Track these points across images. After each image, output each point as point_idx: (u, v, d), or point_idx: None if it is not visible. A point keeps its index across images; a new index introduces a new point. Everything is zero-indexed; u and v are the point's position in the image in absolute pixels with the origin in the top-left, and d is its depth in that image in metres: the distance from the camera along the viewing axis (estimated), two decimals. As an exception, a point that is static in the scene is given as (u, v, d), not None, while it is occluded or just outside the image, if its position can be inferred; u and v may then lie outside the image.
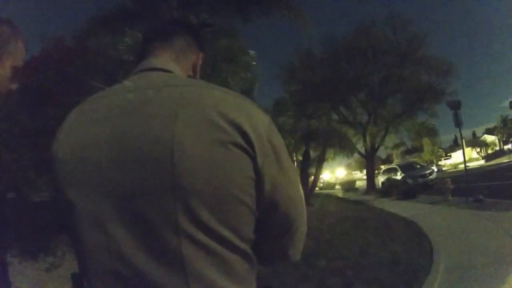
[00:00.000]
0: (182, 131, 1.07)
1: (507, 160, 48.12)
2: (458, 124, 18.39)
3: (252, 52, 14.50)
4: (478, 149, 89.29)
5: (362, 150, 41.01)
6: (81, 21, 14.08)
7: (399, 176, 30.74)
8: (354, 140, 40.29)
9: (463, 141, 22.11)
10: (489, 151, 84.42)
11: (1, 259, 1.89)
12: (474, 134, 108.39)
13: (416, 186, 26.77)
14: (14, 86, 1.92)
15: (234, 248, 1.11)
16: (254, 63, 14.56)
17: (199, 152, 1.06)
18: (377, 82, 38.14)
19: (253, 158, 1.10)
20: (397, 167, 34.18)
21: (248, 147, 1.09)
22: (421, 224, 12.64)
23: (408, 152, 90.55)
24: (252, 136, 1.10)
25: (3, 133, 10.30)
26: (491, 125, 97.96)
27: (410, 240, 10.37)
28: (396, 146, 49.14)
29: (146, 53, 1.46)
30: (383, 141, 41.31)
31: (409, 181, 28.24)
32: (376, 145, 40.63)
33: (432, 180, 28.91)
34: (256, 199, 1.14)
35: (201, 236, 1.06)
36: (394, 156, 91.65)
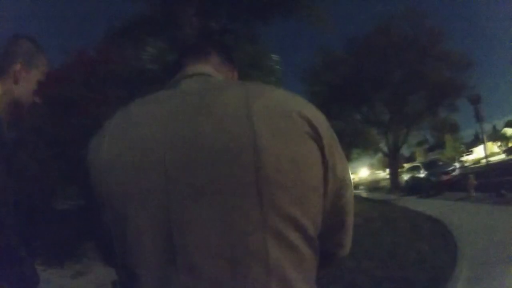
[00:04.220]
0: (260, 125, 1.04)
1: (527, 154, 47.08)
2: (479, 118, 18.25)
3: (275, 57, 14.51)
4: (499, 143, 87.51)
5: (385, 149, 40.74)
6: (101, 32, 14.24)
7: (422, 174, 30.44)
8: (377, 139, 40.04)
9: (484, 135, 21.90)
10: (510, 145, 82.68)
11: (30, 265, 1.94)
12: (494, 127, 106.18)
13: (440, 183, 26.50)
14: (37, 99, 2.00)
15: (310, 242, 1.09)
16: (278, 67, 14.56)
17: (279, 144, 1.04)
18: (398, 80, 37.72)
19: (321, 148, 1.10)
20: (420, 165, 33.82)
21: (317, 137, 1.10)
22: (446, 221, 12.64)
23: (431, 149, 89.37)
24: (319, 127, 1.11)
25: (30, 144, 10.49)
26: (511, 118, 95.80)
27: (435, 238, 10.40)
28: (419, 144, 48.68)
29: (182, 63, 1.43)
30: (406, 139, 40.94)
31: (432, 178, 27.97)
32: (399, 144, 40.29)
33: (455, 176, 28.64)
34: (324, 189, 1.13)
35: (287, 231, 1.02)
36: (417, 154, 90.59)
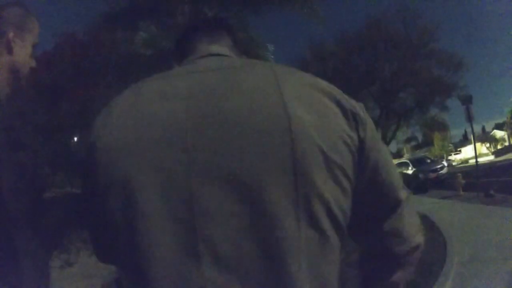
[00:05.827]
0: (293, 103, 0.94)
1: (516, 156, 47.62)
2: (470, 118, 18.28)
3: (270, 46, 14.40)
4: (488, 144, 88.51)
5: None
6: (92, 17, 14.09)
7: (410, 170, 30.57)
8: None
9: (474, 136, 21.96)
10: (499, 147, 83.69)
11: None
12: (483, 129, 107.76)
13: (427, 180, 26.64)
14: (34, 63, 1.95)
15: (339, 229, 0.97)
16: (272, 56, 14.44)
17: (314, 123, 0.94)
18: (388, 76, 37.92)
19: (356, 129, 1.02)
20: (408, 161, 33.96)
21: (351, 116, 1.02)
22: (434, 218, 12.64)
23: (418, 146, 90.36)
24: (351, 109, 1.03)
25: (17, 130, 10.36)
26: (500, 120, 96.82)
27: (424, 234, 10.40)
28: (407, 140, 49.05)
29: (195, 44, 1.30)
30: (395, 135, 41.16)
31: (420, 175, 28.10)
32: (388, 139, 40.52)
33: (443, 174, 28.82)
34: (356, 178, 1.02)
35: (320, 216, 0.90)
36: (405, 151, 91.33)
